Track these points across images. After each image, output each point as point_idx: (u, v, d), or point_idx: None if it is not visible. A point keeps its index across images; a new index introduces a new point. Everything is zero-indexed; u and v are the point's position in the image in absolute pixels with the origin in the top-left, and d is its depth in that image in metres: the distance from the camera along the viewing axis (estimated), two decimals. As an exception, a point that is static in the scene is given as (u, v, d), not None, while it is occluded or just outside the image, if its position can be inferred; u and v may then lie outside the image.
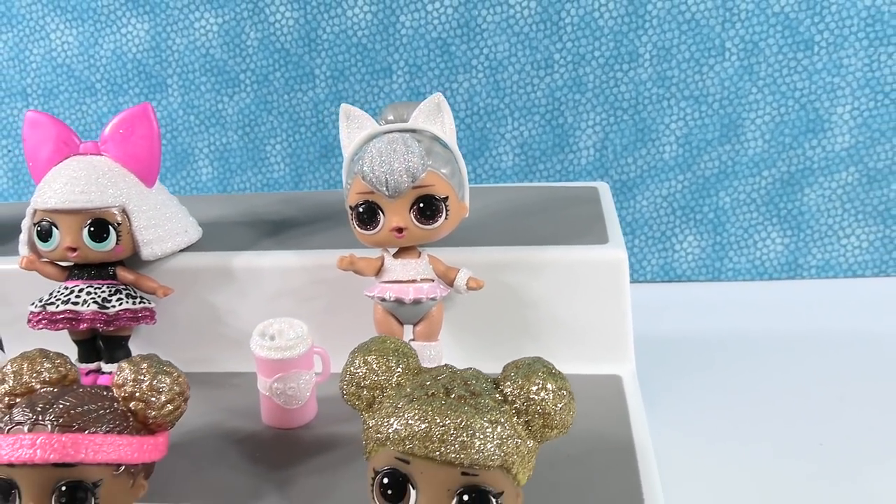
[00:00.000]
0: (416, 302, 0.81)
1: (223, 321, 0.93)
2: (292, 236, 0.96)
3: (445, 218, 0.80)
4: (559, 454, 0.71)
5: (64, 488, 0.61)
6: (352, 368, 0.63)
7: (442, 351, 0.83)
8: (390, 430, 0.58)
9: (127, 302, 0.85)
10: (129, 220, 0.86)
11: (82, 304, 0.83)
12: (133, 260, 0.90)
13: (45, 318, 0.84)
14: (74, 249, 0.84)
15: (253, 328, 0.90)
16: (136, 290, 0.88)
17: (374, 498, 0.60)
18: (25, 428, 0.62)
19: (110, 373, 0.86)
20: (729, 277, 1.57)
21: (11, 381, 0.68)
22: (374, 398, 0.63)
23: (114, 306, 0.84)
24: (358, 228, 0.81)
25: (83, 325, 0.83)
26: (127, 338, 0.89)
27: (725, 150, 1.51)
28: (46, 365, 0.68)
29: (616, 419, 0.78)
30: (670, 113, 1.51)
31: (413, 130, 0.81)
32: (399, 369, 0.63)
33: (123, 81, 1.64)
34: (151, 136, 0.86)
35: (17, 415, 0.63)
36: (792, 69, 1.44)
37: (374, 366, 0.62)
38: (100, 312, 0.83)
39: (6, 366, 0.69)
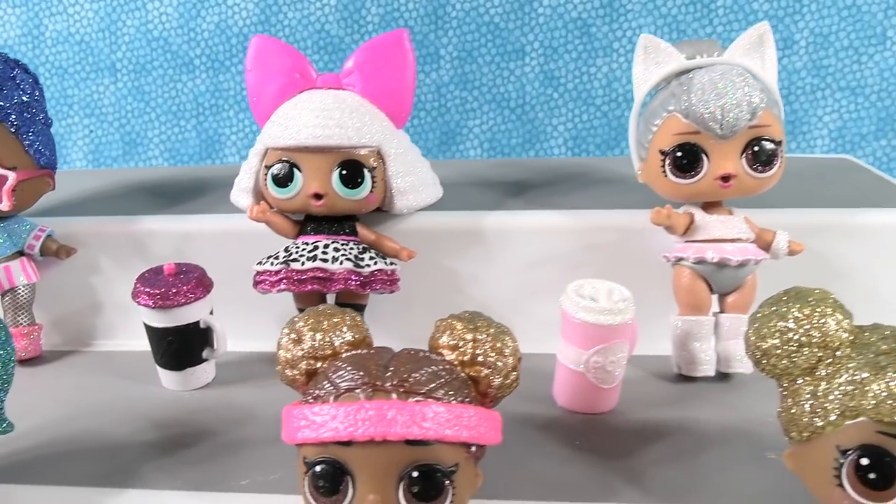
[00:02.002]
0: (742, 265, 0.68)
1: (464, 291, 0.79)
2: (538, 197, 0.82)
3: (779, 166, 0.68)
4: None
5: (416, 474, 0.46)
6: (783, 323, 0.50)
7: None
8: (875, 399, 0.45)
9: (380, 262, 0.71)
10: (383, 164, 0.71)
11: (332, 262, 0.68)
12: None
13: (287, 278, 0.69)
14: (320, 196, 0.70)
15: (497, 300, 0.77)
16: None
17: (844, 482, 0.46)
18: (361, 394, 0.47)
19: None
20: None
21: (310, 342, 0.52)
22: (818, 359, 0.49)
23: (367, 265, 0.70)
24: (672, 176, 0.68)
25: (336, 286, 0.68)
26: (363, 307, 0.74)
27: (881, 146, 1.41)
28: (348, 322, 0.53)
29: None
30: (824, 104, 1.41)
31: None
32: (846, 324, 0.49)
33: (226, 58, 1.49)
34: (405, 68, 0.73)
35: (345, 378, 0.48)
36: (956, 60, 1.35)
37: (819, 319, 0.49)
38: (354, 272, 0.69)
39: (298, 323, 0.54)
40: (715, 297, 0.71)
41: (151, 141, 1.53)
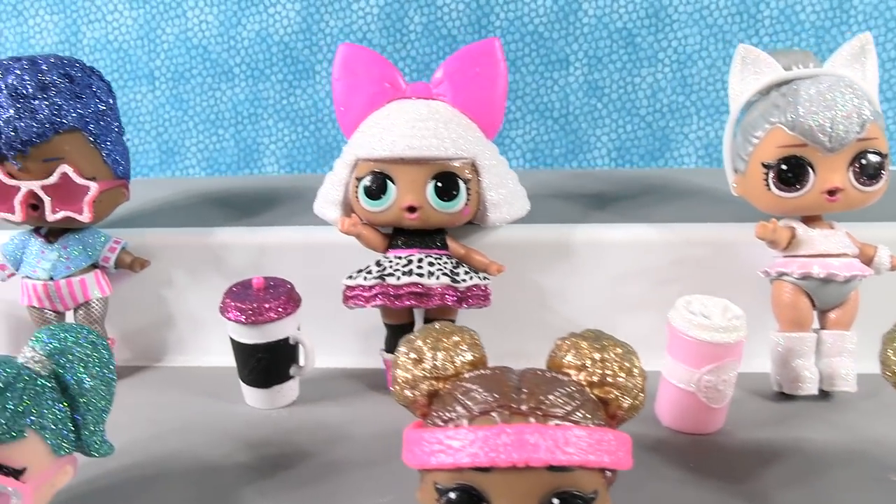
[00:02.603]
0: (848, 280, 0.66)
1: (550, 307, 0.77)
2: (626, 209, 0.81)
3: (885, 180, 0.66)
4: None
5: (557, 502, 0.44)
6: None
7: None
8: None
9: (475, 277, 0.69)
10: (477, 176, 0.70)
11: (429, 277, 0.67)
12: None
13: (384, 293, 0.67)
14: (414, 209, 0.68)
15: (585, 315, 0.75)
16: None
17: None
18: (498, 418, 0.45)
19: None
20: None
21: (431, 362, 0.50)
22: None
23: (464, 280, 0.68)
24: (775, 190, 0.67)
25: (433, 302, 0.67)
26: (453, 322, 0.72)
27: (928, 157, 1.40)
28: (468, 340, 0.51)
29: None
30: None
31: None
32: None
33: (265, 66, 1.47)
34: (497, 78, 0.71)
35: (478, 401, 0.47)
36: None
37: None
38: (451, 287, 0.67)
39: (416, 342, 0.52)
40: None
41: (189, 150, 1.51)
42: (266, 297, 0.67)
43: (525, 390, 0.46)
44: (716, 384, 0.61)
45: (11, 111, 0.68)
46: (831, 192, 0.65)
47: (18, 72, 0.69)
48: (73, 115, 0.71)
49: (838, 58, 0.68)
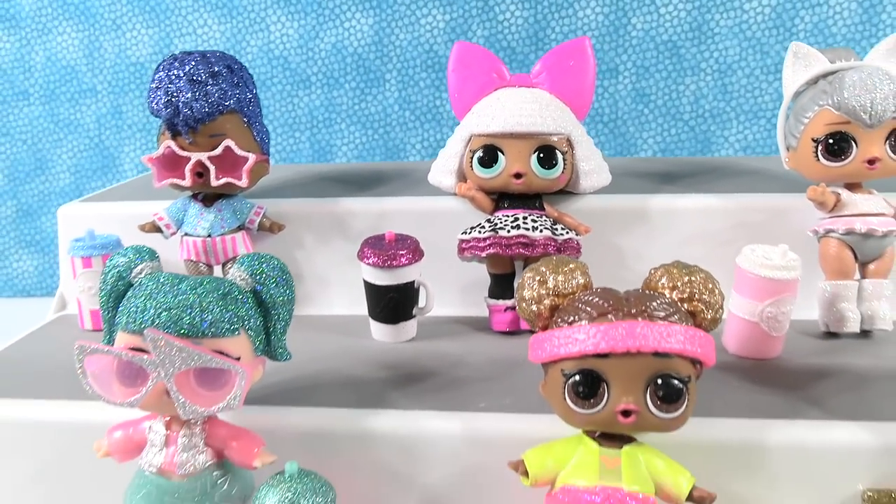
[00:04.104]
0: (885, 235, 0.79)
1: (627, 265, 0.91)
2: (691, 184, 0.95)
3: (917, 153, 0.80)
4: None
5: (660, 381, 0.57)
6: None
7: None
8: None
9: (571, 232, 0.83)
10: (572, 149, 0.84)
11: (533, 230, 0.81)
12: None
13: (496, 244, 0.81)
14: (520, 176, 0.82)
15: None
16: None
17: None
18: (613, 318, 0.58)
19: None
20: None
21: (553, 282, 0.64)
22: None
23: (562, 234, 0.82)
24: (823, 160, 0.81)
25: (537, 251, 0.80)
26: (560, 261, 0.86)
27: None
28: (580, 268, 0.65)
29: None
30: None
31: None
32: None
33: (340, 75, 1.63)
34: (587, 70, 0.86)
35: (596, 306, 0.60)
36: None
37: None
38: (552, 239, 0.81)
39: (541, 268, 0.65)
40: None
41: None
42: (398, 246, 0.81)
43: (632, 300, 0.60)
44: (776, 315, 0.74)
45: (189, 94, 0.83)
46: (871, 162, 0.79)
47: (194, 63, 0.84)
48: (235, 99, 0.86)
49: (876, 52, 0.82)
